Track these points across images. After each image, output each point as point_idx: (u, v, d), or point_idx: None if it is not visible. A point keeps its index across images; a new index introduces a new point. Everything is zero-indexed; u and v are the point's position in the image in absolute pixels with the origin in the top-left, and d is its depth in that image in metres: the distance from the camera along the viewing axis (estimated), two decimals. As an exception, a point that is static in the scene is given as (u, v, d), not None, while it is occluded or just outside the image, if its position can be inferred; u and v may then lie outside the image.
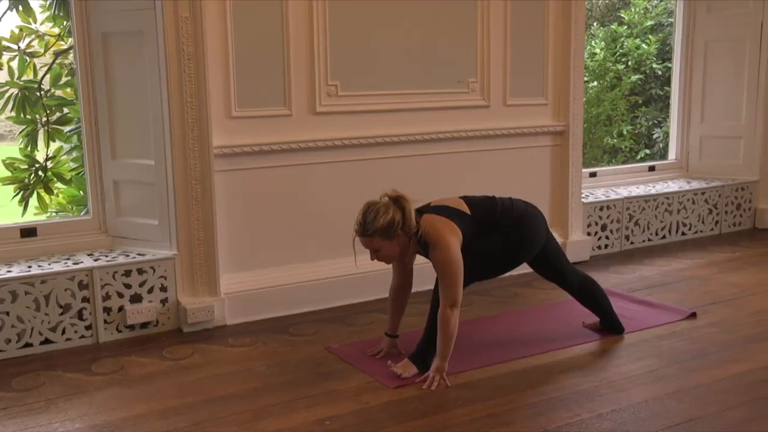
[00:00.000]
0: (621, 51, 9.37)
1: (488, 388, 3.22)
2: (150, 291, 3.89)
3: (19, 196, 5.08)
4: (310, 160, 4.21)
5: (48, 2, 4.81)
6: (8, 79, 4.92)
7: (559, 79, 4.93)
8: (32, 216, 5.06)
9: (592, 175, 5.79)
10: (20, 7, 4.94)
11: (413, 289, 3.59)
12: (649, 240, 5.57)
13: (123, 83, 3.96)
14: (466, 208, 3.41)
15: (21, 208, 5.07)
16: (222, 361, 3.57)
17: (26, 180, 5.06)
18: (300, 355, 3.61)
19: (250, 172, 4.07)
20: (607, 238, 5.38)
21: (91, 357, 3.63)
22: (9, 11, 4.95)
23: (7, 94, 4.90)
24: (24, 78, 4.96)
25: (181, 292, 3.96)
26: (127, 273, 3.83)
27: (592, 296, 3.76)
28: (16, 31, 5.06)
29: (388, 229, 3.21)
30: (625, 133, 8.42)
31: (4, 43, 5.01)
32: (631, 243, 5.49)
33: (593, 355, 3.59)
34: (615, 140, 9.33)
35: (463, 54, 4.58)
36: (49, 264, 3.79)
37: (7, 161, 5.08)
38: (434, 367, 3.26)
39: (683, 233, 5.74)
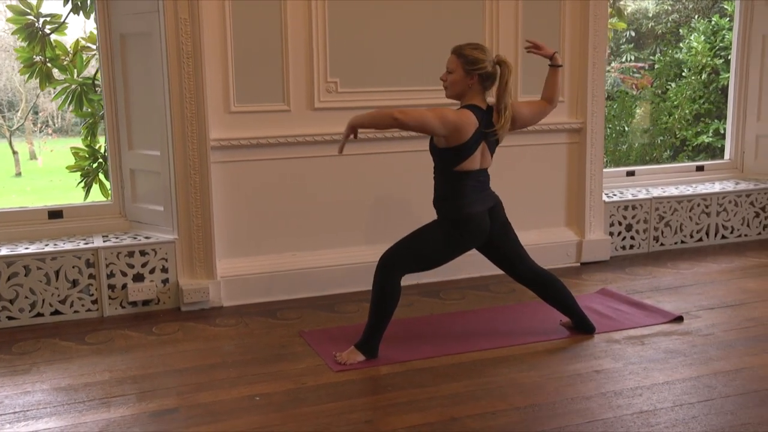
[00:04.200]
0: (721, 45, 8.99)
1: (426, 376, 3.31)
2: (152, 271, 4.23)
3: (82, 183, 5.62)
4: (307, 153, 4.40)
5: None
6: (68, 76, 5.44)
7: (576, 76, 4.87)
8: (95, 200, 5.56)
9: (630, 174, 5.65)
10: (80, 12, 5.43)
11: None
12: (682, 242, 5.39)
13: (136, 80, 4.32)
14: (487, 158, 3.61)
15: (84, 192, 5.61)
16: (199, 338, 3.84)
17: (87, 168, 5.58)
18: (270, 338, 3.82)
19: (248, 164, 4.32)
20: (632, 238, 5.24)
21: (91, 329, 4.00)
22: (72, 14, 5.46)
23: (68, 90, 5.43)
24: (83, 75, 5.47)
25: (180, 274, 4.27)
26: (131, 254, 4.18)
27: (550, 294, 3.73)
28: (95, 32, 5.58)
29: (471, 63, 3.46)
30: (720, 130, 8.08)
31: (84, 43, 5.53)
32: (661, 245, 5.32)
33: (549, 352, 3.59)
34: (711, 138, 8.98)
35: (468, 51, 4.61)
36: (64, 243, 4.20)
37: (73, 150, 5.62)
38: (349, 122, 3.43)
39: (723, 236, 5.49)
